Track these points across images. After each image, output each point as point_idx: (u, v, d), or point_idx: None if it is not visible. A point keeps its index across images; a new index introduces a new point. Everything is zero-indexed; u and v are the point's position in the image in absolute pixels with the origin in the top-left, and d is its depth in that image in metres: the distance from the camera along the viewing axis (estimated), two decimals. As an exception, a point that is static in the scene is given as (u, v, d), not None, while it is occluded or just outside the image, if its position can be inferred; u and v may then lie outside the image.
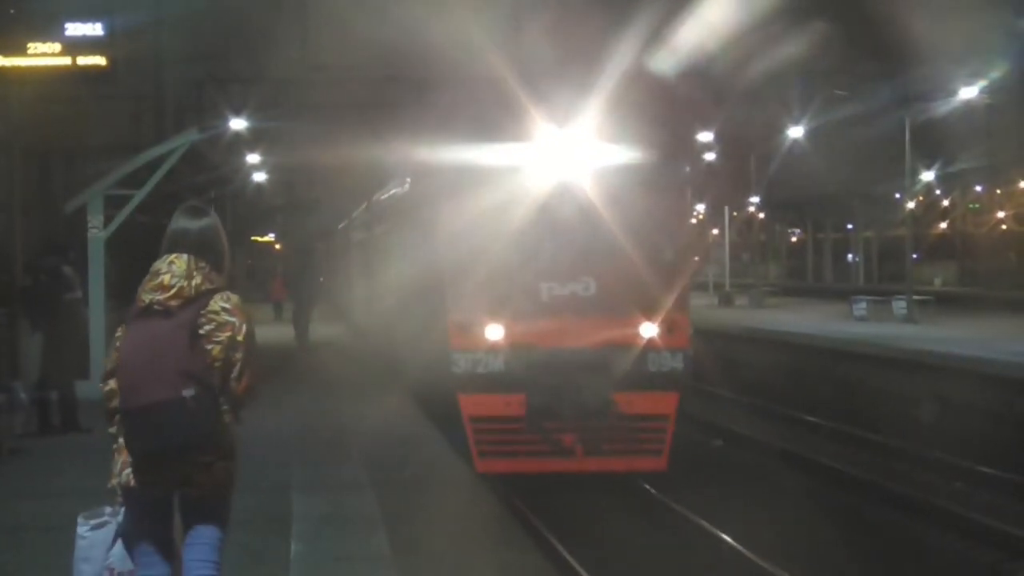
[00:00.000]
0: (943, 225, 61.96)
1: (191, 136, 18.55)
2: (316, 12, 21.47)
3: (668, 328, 12.63)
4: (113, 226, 16.94)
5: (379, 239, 20.75)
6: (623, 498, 12.50)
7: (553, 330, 12.45)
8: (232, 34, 22.83)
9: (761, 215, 60.23)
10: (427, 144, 13.41)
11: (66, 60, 19.23)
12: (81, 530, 5.20)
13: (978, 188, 57.32)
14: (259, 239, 61.49)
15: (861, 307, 30.94)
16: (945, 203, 59.72)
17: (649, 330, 12.59)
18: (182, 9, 22.15)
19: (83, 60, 19.47)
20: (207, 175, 23.62)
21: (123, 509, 5.05)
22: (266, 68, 21.15)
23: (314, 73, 20.97)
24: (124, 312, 5.15)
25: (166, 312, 4.84)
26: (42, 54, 19.51)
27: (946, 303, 34.48)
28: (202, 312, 4.88)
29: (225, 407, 4.92)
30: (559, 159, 12.76)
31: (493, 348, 12.41)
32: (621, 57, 12.40)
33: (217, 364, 4.87)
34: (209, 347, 4.86)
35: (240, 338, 4.94)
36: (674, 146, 13.42)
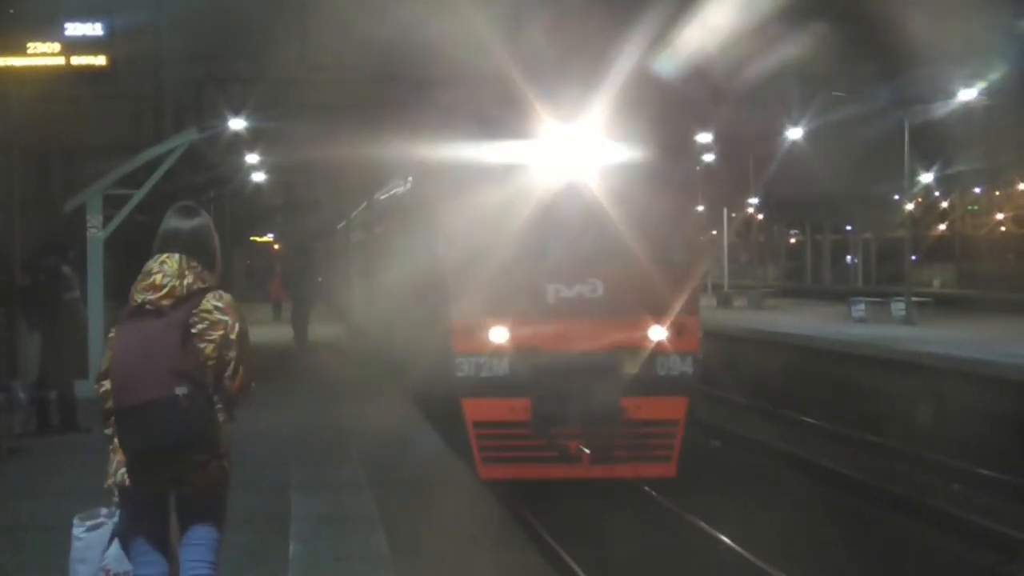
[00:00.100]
0: (942, 227, 62.03)
1: (190, 136, 18.53)
2: (315, 12, 21.44)
3: (677, 331, 12.30)
4: (112, 226, 16.93)
5: (380, 239, 20.58)
6: (621, 498, 12.42)
7: (559, 333, 12.11)
8: (231, 34, 22.79)
9: (760, 216, 60.29)
10: (429, 142, 13.14)
11: (69, 60, 19.20)
12: (77, 531, 5.19)
13: (977, 190, 57.39)
14: (258, 239, 61.50)
15: (859, 308, 30.95)
16: (944, 205, 59.79)
17: (658, 333, 12.26)
18: (181, 9, 22.12)
19: (83, 60, 19.45)
20: (206, 175, 23.59)
21: (119, 509, 5.05)
22: (265, 68, 21.13)
23: (313, 73, 20.94)
24: (117, 312, 5.15)
25: (158, 311, 4.85)
26: (42, 54, 19.49)
27: (945, 305, 34.49)
28: (194, 311, 4.89)
29: (219, 406, 4.93)
30: (565, 157, 12.44)
31: (497, 351, 12.10)
32: (629, 53, 12.08)
33: (210, 363, 4.88)
34: (202, 346, 4.87)
35: (233, 336, 4.95)
36: (683, 144, 13.16)
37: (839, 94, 34.36)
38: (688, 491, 12.33)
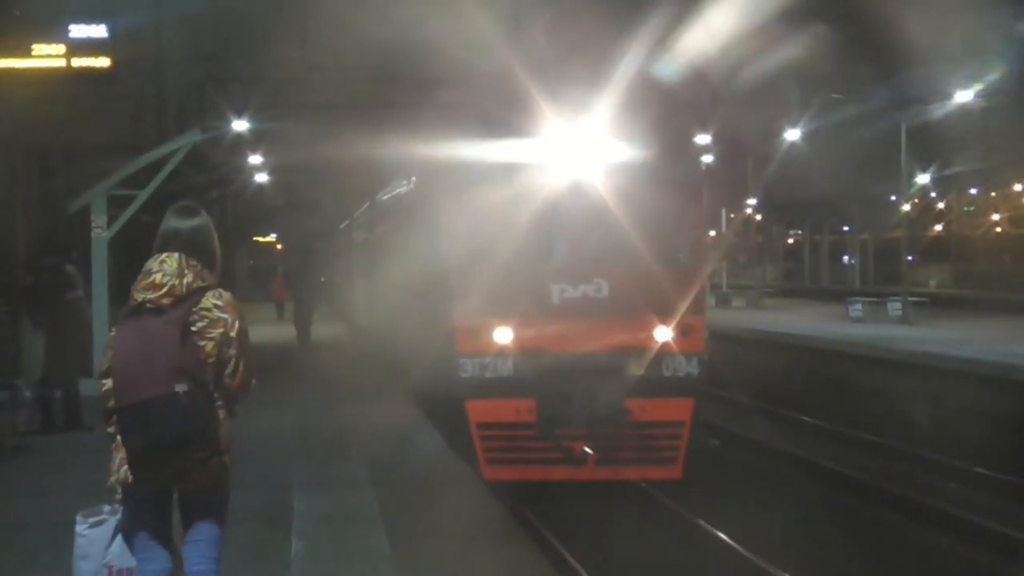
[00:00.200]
0: (939, 228, 62.04)
1: (193, 137, 18.52)
2: (316, 12, 21.43)
3: (683, 332, 12.10)
4: (117, 226, 16.93)
5: (383, 239, 20.42)
6: (619, 496, 12.38)
7: (564, 334, 11.92)
8: (233, 35, 22.79)
9: (758, 217, 60.30)
10: (432, 142, 12.95)
11: (70, 61, 19.21)
12: (80, 528, 5.21)
13: (973, 191, 57.40)
14: (261, 239, 61.51)
15: (857, 308, 30.96)
16: (940, 206, 59.80)
17: (664, 334, 12.07)
18: (183, 11, 22.13)
19: (86, 61, 19.46)
20: (209, 175, 23.60)
21: (122, 506, 5.05)
22: (267, 68, 21.12)
23: (314, 73, 20.93)
24: (118, 311, 5.17)
25: (158, 310, 4.88)
26: (46, 55, 19.50)
27: (941, 305, 34.49)
28: (194, 309, 4.92)
29: (219, 403, 4.95)
30: (569, 157, 12.24)
31: (502, 352, 11.91)
32: (632, 52, 11.90)
33: (210, 360, 4.90)
34: (202, 344, 4.89)
35: (233, 334, 4.97)
36: (687, 143, 12.98)
37: (837, 96, 34.38)
38: (687, 489, 12.28)
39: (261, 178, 29.43)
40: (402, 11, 17.57)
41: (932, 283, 52.77)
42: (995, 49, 26.25)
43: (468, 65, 13.54)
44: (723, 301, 40.91)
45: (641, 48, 12.12)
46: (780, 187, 46.71)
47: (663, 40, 13.98)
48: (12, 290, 14.48)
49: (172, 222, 5.11)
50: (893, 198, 42.39)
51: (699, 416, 12.52)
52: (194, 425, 4.75)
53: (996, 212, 58.94)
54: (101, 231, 16.73)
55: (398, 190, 18.31)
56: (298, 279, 27.71)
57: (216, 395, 4.92)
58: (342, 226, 35.34)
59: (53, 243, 13.79)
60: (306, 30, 21.59)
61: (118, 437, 4.89)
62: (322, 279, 37.70)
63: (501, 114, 12.13)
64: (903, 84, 28.84)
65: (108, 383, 4.88)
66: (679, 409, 12.11)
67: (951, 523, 11.93)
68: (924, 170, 43.74)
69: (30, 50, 18.82)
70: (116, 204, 17.17)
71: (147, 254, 5.11)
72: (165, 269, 4.96)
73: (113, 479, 4.98)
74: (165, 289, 4.91)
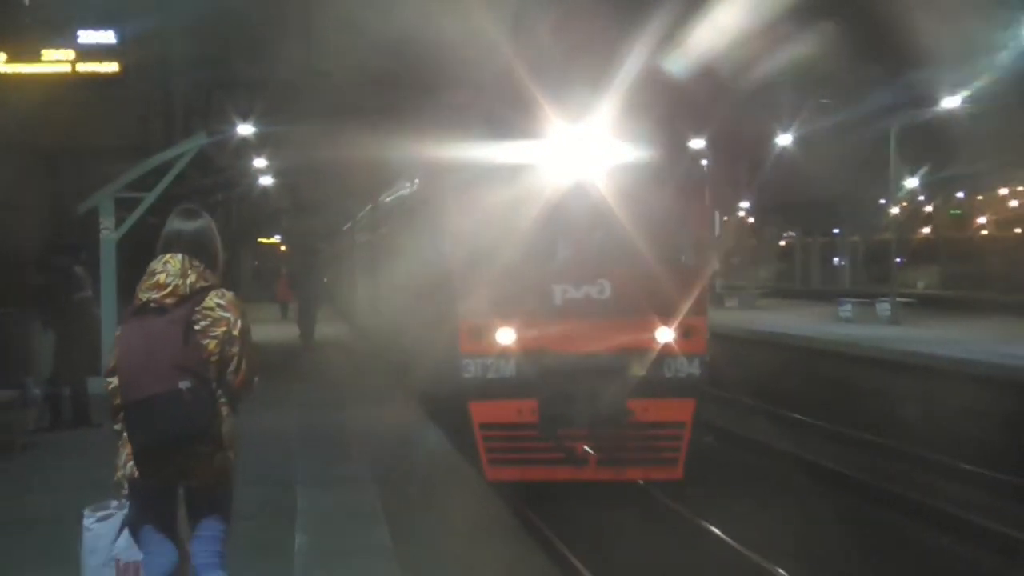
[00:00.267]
0: (926, 230, 62.10)
1: (200, 140, 18.51)
2: (320, 18, 21.44)
3: (685, 333, 11.95)
4: (125, 227, 16.92)
5: (386, 240, 20.25)
6: (615, 493, 12.33)
7: (567, 334, 11.77)
8: (238, 41, 22.80)
9: (751, 219, 60.32)
10: (436, 143, 12.82)
11: (79, 66, 19.19)
12: (87, 522, 5.22)
13: (960, 195, 57.48)
14: (265, 240, 61.52)
15: (847, 309, 30.98)
16: (928, 209, 59.86)
17: (665, 335, 11.92)
18: (190, 17, 22.13)
19: (95, 67, 19.43)
20: (215, 178, 23.60)
21: (129, 501, 5.06)
22: (271, 73, 21.13)
23: (318, 77, 20.94)
24: (123, 311, 5.19)
25: (161, 309, 4.90)
26: (56, 61, 19.48)
27: (929, 305, 34.54)
28: (197, 308, 4.93)
29: (223, 399, 4.96)
30: (571, 157, 12.08)
31: (504, 353, 11.76)
32: (635, 53, 11.74)
33: (213, 358, 4.92)
34: (205, 342, 4.91)
35: (236, 333, 4.98)
36: (690, 144, 12.91)
37: (825, 101, 34.38)
38: (684, 487, 12.21)
39: (265, 181, 29.44)
40: (405, 14, 17.56)
41: (920, 284, 52.76)
42: (983, 56, 26.24)
43: (471, 67, 13.42)
44: (717, 301, 40.86)
45: (643, 49, 11.99)
46: (773, 190, 46.71)
47: (665, 41, 13.88)
48: (22, 290, 14.47)
49: (175, 224, 5.12)
50: (882, 201, 42.42)
51: (696, 415, 12.41)
52: (197, 421, 4.75)
53: (982, 215, 59.00)
54: (109, 232, 16.72)
55: (401, 192, 18.20)
56: (302, 280, 27.68)
57: (219, 392, 4.94)
58: (345, 227, 35.31)
59: (62, 244, 13.78)
60: (310, 35, 21.60)
61: (124, 433, 4.90)
62: (325, 280, 37.72)
63: (504, 115, 11.98)
64: (893, 89, 28.84)
65: (114, 381, 4.89)
66: (680, 410, 11.97)
67: (950, 522, 11.83)
68: (913, 174, 43.78)
69: (40, 55, 18.82)
70: (124, 206, 17.17)
71: (154, 255, 5.12)
72: (169, 270, 4.98)
73: (120, 474, 4.99)
74: (169, 289, 4.92)
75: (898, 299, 30.01)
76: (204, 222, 5.17)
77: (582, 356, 11.76)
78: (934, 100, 28.53)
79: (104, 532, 5.18)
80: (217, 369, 4.93)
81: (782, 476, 14.12)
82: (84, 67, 18.54)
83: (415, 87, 18.78)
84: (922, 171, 44.04)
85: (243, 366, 4.99)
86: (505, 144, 11.89)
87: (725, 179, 41.19)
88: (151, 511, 4.97)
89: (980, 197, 57.74)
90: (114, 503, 5.19)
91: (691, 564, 10.37)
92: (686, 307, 11.95)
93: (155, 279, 4.96)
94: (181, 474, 4.88)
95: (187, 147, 18.03)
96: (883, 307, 29.80)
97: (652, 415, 11.83)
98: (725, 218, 50.86)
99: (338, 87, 20.88)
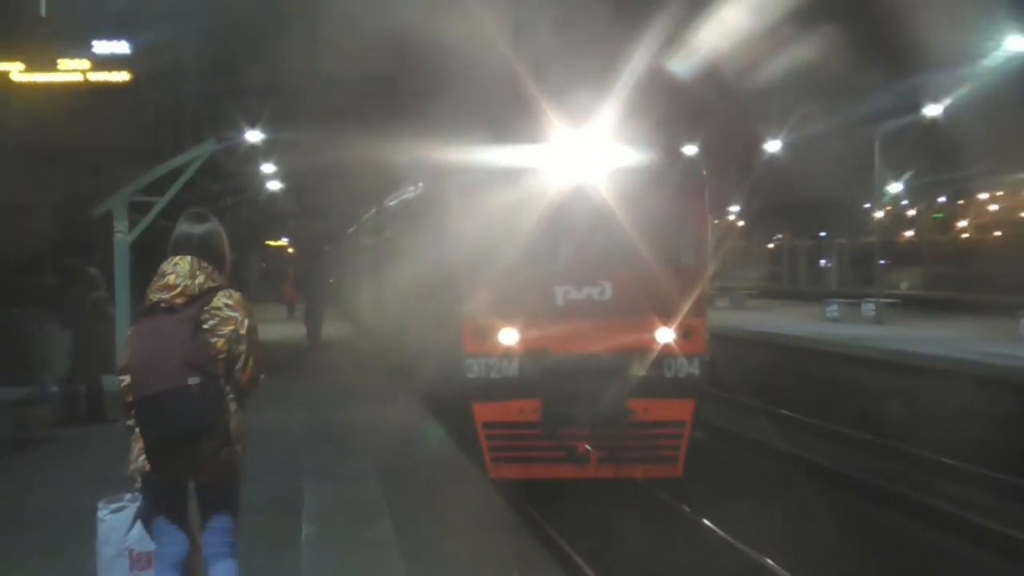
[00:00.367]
0: (910, 233, 62.12)
1: (209, 147, 18.54)
2: (325, 25, 21.44)
3: (685, 333, 11.84)
4: (138, 230, 16.94)
5: (391, 242, 20.15)
6: (616, 491, 12.25)
7: (569, 335, 11.65)
8: (246, 49, 22.79)
9: (740, 223, 60.34)
10: (441, 146, 12.74)
11: (90, 75, 19.18)
12: (101, 514, 5.26)
13: (942, 199, 57.49)
14: (272, 243, 61.49)
15: (833, 309, 31.03)
16: (912, 213, 59.88)
17: (666, 335, 11.80)
18: (200, 27, 22.14)
19: (109, 76, 19.42)
20: (223, 183, 23.61)
21: (141, 494, 5.08)
22: (278, 81, 21.13)
23: (324, 84, 20.93)
24: (137, 310, 5.21)
25: (171, 309, 4.93)
26: (71, 70, 19.47)
27: (912, 306, 34.56)
28: (206, 308, 4.96)
29: (230, 396, 4.98)
30: (573, 160, 11.96)
31: (507, 353, 11.63)
32: (638, 58, 11.69)
33: (221, 356, 4.95)
34: (213, 340, 4.93)
35: (243, 332, 5.01)
36: (689, 147, 12.83)
37: (808, 112, 34.40)
38: (682, 484, 12.14)
39: (273, 185, 29.43)
40: (410, 21, 17.52)
41: (904, 285, 52.74)
42: (966, 64, 26.23)
43: (474, 71, 13.33)
44: (708, 302, 40.89)
45: (644, 52, 11.91)
46: (762, 194, 46.72)
47: (665, 46, 13.79)
48: (38, 290, 14.48)
49: (184, 227, 5.15)
50: (867, 206, 42.42)
51: (696, 414, 12.32)
52: (206, 416, 4.78)
53: (963, 219, 59.01)
54: (123, 235, 16.74)
55: (406, 195, 18.11)
56: (308, 281, 27.65)
57: (227, 389, 4.96)
58: (351, 230, 35.27)
59: (77, 246, 13.78)
60: (315, 43, 21.60)
61: (136, 429, 4.92)
62: (331, 281, 37.68)
63: (506, 119, 11.93)
64: (879, 96, 28.86)
65: (126, 378, 4.92)
66: (680, 409, 11.88)
67: (950, 522, 11.72)
68: (897, 179, 43.80)
69: (56, 65, 18.82)
70: (136, 210, 17.20)
71: (165, 257, 5.13)
72: (178, 271, 5.00)
73: (132, 468, 5.01)
74: (178, 290, 4.95)
75: (882, 300, 30.07)
76: (212, 225, 5.20)
77: (584, 356, 11.66)
78: (917, 108, 28.56)
79: (118, 523, 5.22)
80: (225, 366, 4.95)
81: (777, 473, 14.06)
82: (96, 76, 18.54)
83: (419, 92, 18.74)
84: (906, 176, 44.05)
85: (250, 363, 5.01)
86: (508, 148, 11.80)
87: (716, 182, 41.14)
88: (163, 503, 5.00)
89: (961, 202, 57.70)
90: (127, 495, 5.22)
91: (691, 563, 10.32)
92: (686, 308, 11.84)
93: (165, 280, 4.99)
94: (190, 469, 4.89)
95: (197, 153, 18.05)
96: (868, 307, 29.85)
97: (652, 415, 11.75)
98: (716, 221, 50.85)
99: (344, 92, 20.87)
